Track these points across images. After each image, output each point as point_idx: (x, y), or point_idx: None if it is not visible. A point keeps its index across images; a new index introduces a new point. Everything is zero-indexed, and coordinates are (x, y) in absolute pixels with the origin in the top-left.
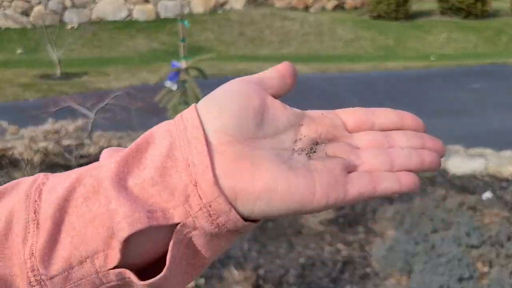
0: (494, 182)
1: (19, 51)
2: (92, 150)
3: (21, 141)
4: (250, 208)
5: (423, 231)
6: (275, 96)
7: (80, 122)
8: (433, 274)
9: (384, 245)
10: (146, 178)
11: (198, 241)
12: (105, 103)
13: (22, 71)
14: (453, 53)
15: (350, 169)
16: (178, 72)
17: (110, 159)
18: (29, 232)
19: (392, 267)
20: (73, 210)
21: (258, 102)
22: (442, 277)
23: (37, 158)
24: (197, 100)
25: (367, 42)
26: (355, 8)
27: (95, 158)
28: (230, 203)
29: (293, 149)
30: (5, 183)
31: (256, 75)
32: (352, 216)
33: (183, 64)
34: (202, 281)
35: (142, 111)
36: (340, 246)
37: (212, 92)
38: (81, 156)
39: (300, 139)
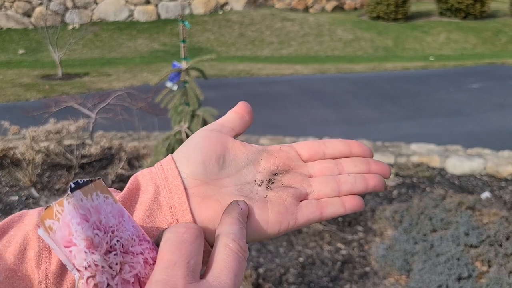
0: (493, 181)
1: (20, 51)
2: (93, 150)
3: (22, 141)
4: (214, 239)
5: (422, 230)
6: (238, 133)
7: (81, 122)
8: (432, 273)
9: (383, 244)
10: (138, 218)
11: None
12: (107, 103)
13: (24, 72)
14: (452, 53)
15: (302, 197)
16: (179, 72)
17: None
18: (42, 258)
19: (391, 266)
20: None
21: (219, 148)
22: (441, 276)
23: (38, 158)
24: (197, 100)
25: (367, 43)
26: (355, 9)
27: (96, 158)
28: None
29: (255, 180)
30: (6, 183)
31: (218, 121)
32: (352, 215)
33: (183, 64)
34: None
35: (143, 111)
36: (339, 245)
37: (183, 144)
38: (82, 156)
39: (260, 171)
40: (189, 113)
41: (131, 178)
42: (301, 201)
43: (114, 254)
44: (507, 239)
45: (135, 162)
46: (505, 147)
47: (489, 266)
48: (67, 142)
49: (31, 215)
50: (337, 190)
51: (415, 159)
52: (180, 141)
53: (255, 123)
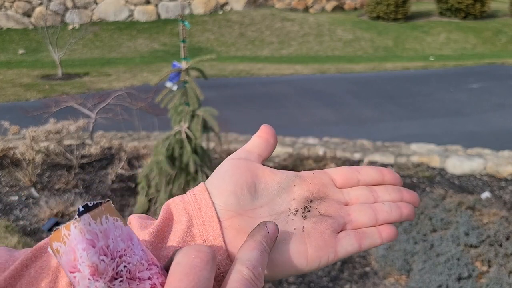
0: (493, 181)
1: (20, 51)
2: (93, 150)
3: (22, 141)
4: None
5: (422, 230)
6: (265, 158)
7: (81, 122)
8: (432, 273)
9: (383, 244)
10: (171, 250)
11: None
12: (107, 103)
13: (24, 72)
14: (452, 53)
15: (340, 228)
16: (179, 72)
17: (143, 230)
18: None
19: (391, 266)
20: None
21: (249, 176)
22: (441, 276)
23: (38, 158)
24: (197, 100)
25: (367, 43)
26: (355, 9)
27: (96, 158)
28: None
29: (289, 209)
30: (6, 183)
31: (244, 148)
32: None
33: (183, 64)
34: None
35: (143, 111)
36: None
37: (211, 175)
38: (82, 156)
39: (294, 199)
40: (189, 113)
41: (164, 206)
42: (339, 232)
43: (120, 281)
44: (507, 239)
45: (135, 162)
46: (505, 147)
47: (489, 266)
48: (67, 142)
49: None
50: (375, 219)
51: (415, 159)
52: (180, 141)
53: (255, 123)
